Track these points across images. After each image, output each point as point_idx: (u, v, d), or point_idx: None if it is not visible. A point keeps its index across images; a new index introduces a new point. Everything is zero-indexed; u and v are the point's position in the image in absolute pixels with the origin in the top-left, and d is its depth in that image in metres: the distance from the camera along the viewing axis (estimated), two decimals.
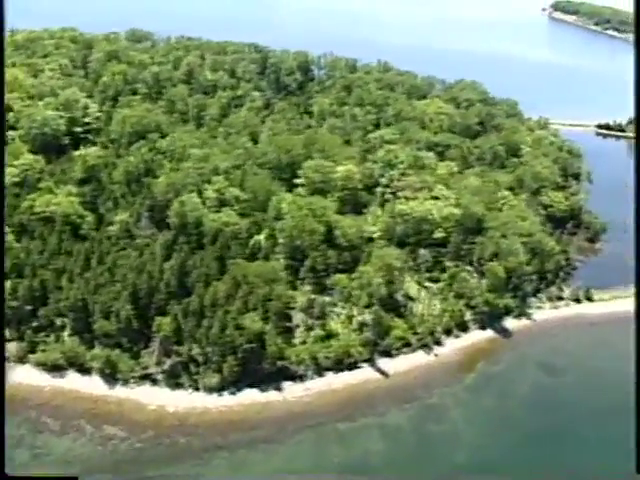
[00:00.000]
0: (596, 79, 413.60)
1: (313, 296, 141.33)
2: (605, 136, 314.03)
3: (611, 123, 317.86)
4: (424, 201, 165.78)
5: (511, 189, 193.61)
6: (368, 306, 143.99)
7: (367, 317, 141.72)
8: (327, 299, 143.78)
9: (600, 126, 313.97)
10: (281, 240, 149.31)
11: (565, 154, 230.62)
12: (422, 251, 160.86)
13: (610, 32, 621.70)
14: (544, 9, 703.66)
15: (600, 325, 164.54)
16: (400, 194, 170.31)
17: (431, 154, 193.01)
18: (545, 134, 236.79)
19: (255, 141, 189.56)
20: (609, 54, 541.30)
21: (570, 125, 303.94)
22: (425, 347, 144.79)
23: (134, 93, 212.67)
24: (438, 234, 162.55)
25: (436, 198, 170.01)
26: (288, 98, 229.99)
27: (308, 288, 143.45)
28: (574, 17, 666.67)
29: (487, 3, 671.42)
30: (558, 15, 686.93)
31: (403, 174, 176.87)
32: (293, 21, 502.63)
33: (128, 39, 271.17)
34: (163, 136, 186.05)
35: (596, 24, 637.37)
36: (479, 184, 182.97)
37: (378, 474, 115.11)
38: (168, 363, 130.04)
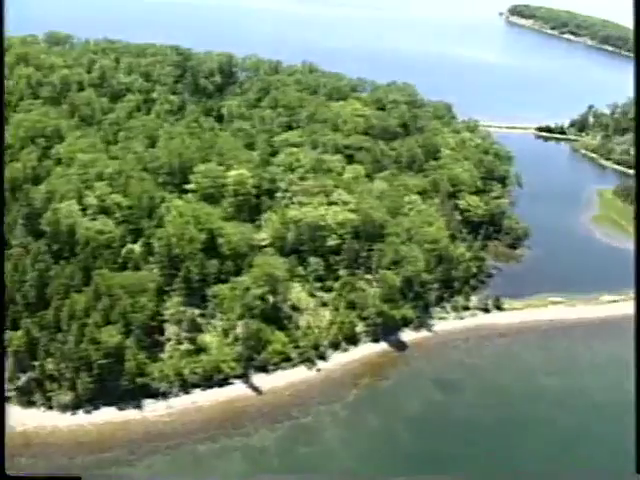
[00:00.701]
0: (547, 82, 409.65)
1: (182, 308, 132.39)
2: (546, 139, 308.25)
3: (552, 125, 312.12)
4: (318, 206, 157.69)
5: (424, 193, 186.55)
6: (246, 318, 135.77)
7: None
8: (199, 311, 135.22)
9: (540, 129, 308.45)
10: (157, 249, 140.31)
11: (490, 157, 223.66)
12: (314, 259, 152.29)
13: (567, 36, 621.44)
14: (501, 13, 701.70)
15: (508, 336, 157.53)
16: (295, 199, 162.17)
17: (338, 157, 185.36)
18: (470, 136, 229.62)
19: (154, 145, 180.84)
20: (563, 57, 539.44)
21: (508, 128, 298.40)
22: (307, 362, 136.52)
23: (37, 97, 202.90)
24: (332, 241, 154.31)
25: (333, 203, 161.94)
26: (204, 101, 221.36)
27: (178, 299, 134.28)
28: (531, 21, 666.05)
29: (446, 8, 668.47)
30: (515, 19, 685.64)
31: (302, 178, 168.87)
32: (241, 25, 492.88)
33: (46, 42, 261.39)
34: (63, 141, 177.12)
35: (553, 28, 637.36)
36: (385, 188, 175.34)
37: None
38: (22, 379, 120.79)
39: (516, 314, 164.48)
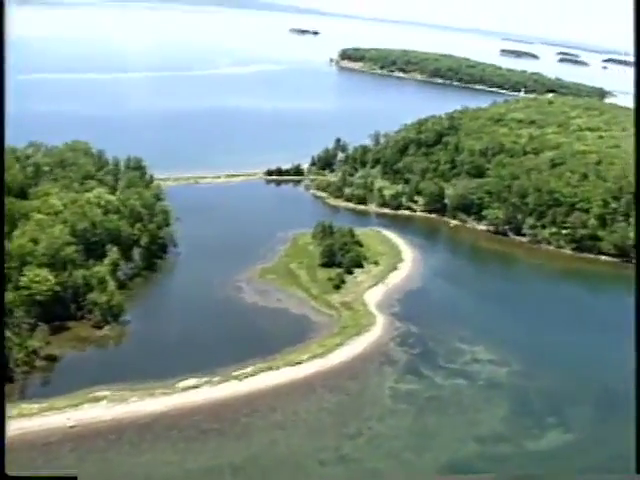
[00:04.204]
0: (334, 121, 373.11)
1: None
2: (279, 182, 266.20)
3: (287, 167, 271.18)
4: None
5: None
6: None
7: None
8: None
9: (270, 172, 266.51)
10: None
11: (116, 217, 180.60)
12: None
13: (397, 73, 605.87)
14: (331, 59, 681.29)
15: None
16: None
17: None
18: (99, 194, 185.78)
19: None
20: (377, 94, 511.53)
21: (229, 176, 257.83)
22: None
23: None
24: None
25: None
26: None
27: None
28: (360, 64, 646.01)
29: (276, 60, 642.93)
30: (345, 63, 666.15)
31: None
32: None
33: None
34: None
35: (382, 67, 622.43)
36: None
37: None
38: None
39: (22, 422, 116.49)
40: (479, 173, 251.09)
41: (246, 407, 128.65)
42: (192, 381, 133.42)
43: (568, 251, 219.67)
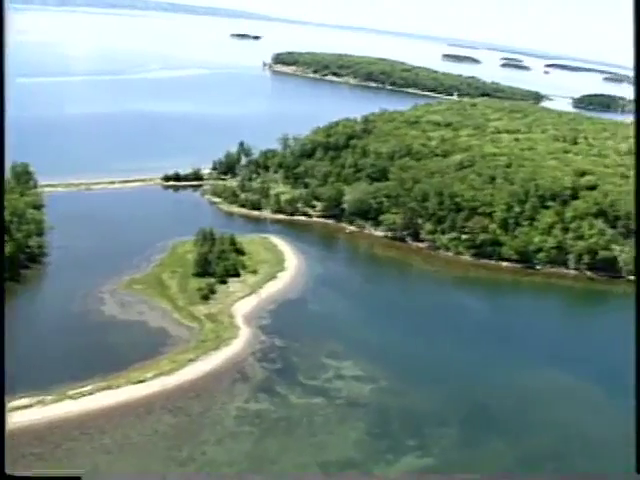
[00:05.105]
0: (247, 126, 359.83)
1: None
2: (177, 188, 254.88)
3: (188, 171, 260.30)
4: None
5: None
6: None
7: None
8: None
9: (167, 178, 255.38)
10: None
11: None
12: None
13: (330, 77, 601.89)
14: (265, 64, 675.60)
15: None
16: None
17: None
18: None
19: None
20: (304, 99, 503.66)
21: (124, 182, 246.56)
22: None
23: None
24: None
25: None
26: None
27: None
28: (294, 68, 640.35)
29: (209, 64, 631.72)
30: (279, 67, 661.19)
31: None
32: None
33: None
34: None
35: (315, 72, 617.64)
36: None
37: None
38: None
39: None
40: (382, 177, 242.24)
41: (75, 429, 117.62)
42: (23, 401, 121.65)
43: (468, 257, 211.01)
